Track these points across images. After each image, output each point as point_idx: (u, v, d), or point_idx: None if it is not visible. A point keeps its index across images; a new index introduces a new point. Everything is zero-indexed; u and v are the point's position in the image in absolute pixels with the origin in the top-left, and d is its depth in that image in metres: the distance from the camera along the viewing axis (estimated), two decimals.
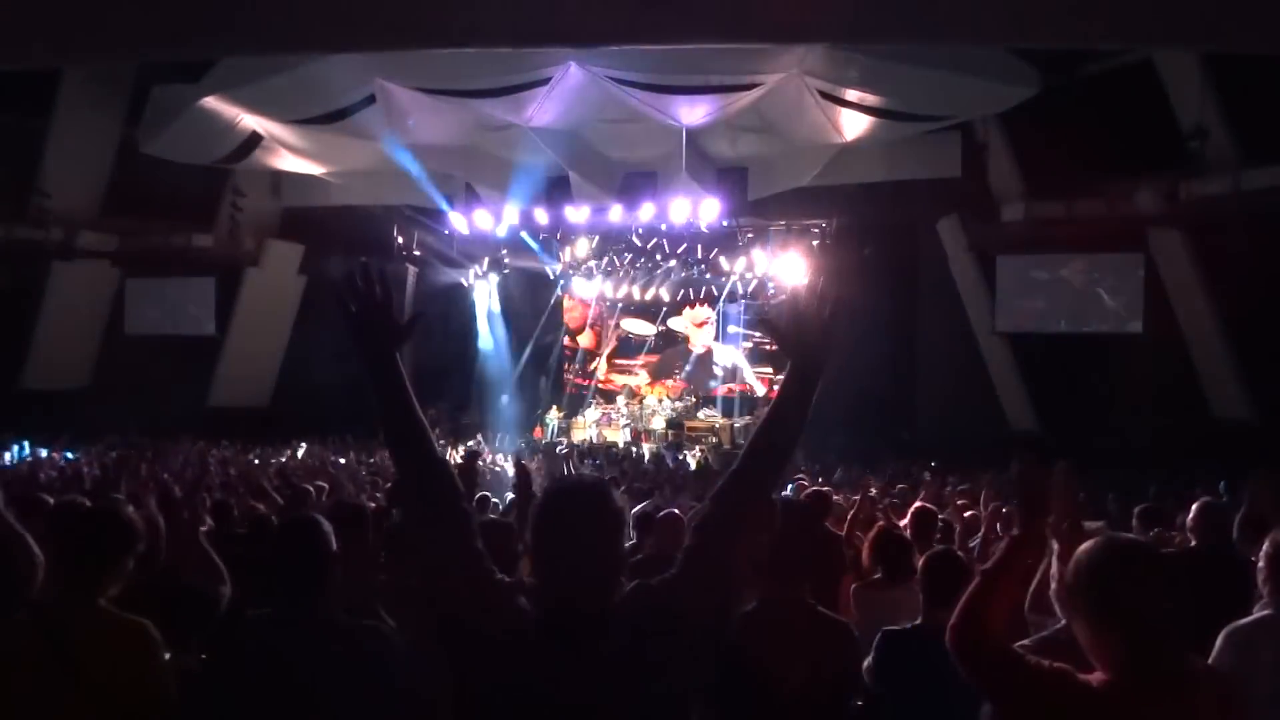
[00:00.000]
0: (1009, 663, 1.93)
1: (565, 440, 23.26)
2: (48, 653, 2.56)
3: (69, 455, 11.03)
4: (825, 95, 17.23)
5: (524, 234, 21.82)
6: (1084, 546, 1.94)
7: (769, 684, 2.98)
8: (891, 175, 20.08)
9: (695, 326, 26.24)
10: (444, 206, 21.33)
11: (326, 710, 2.53)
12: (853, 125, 18.40)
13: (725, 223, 21.28)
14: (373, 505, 5.69)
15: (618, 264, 24.30)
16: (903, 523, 5.63)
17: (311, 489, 7.54)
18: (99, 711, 2.57)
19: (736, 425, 23.15)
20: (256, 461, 15.22)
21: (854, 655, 3.29)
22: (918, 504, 5.73)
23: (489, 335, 26.35)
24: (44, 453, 15.63)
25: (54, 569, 2.79)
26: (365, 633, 2.68)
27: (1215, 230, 16.61)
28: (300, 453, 17.92)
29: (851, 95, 17.16)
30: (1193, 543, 4.65)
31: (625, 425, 24.47)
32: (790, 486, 8.27)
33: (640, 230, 21.26)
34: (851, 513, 6.12)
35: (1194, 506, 4.76)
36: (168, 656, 2.75)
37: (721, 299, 25.11)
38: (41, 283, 22.69)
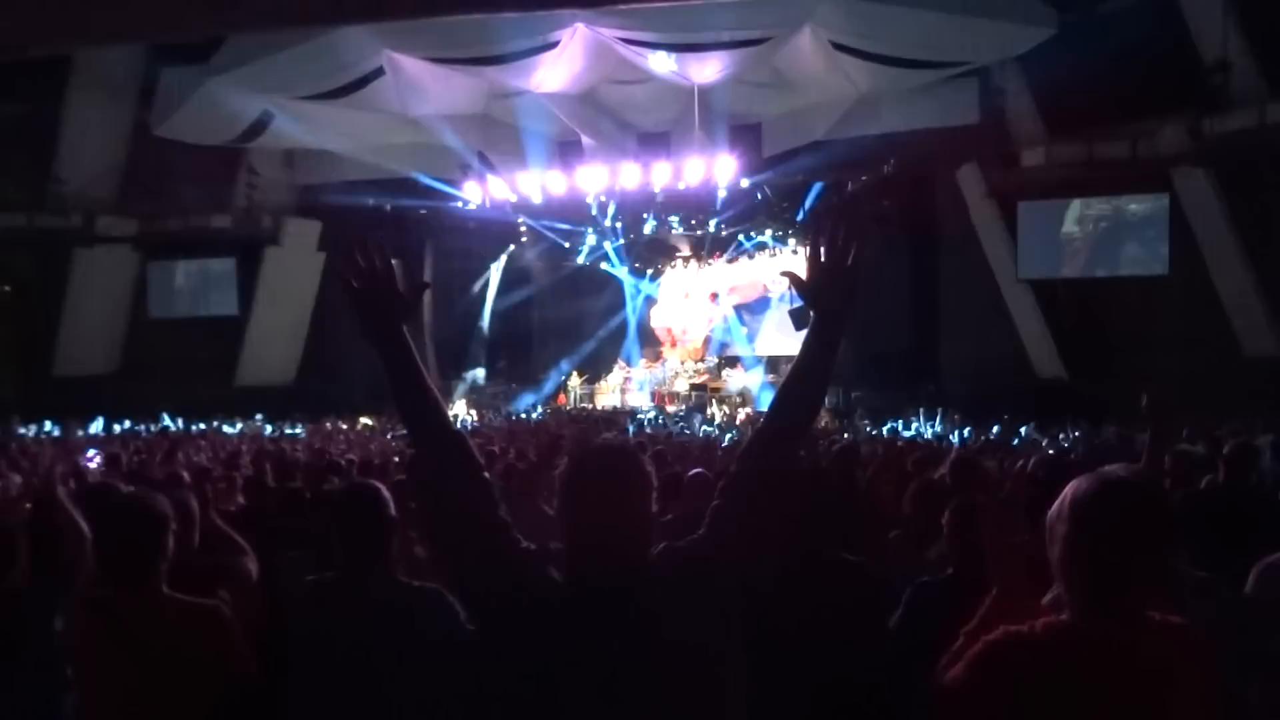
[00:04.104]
0: (971, 692, 1.91)
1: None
2: (123, 648, 2.62)
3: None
4: (838, 46, 16.96)
5: (533, 206, 21.73)
6: (1078, 479, 1.91)
7: (794, 637, 2.99)
8: (908, 125, 19.79)
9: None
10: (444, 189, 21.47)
11: (393, 672, 2.57)
12: (867, 76, 18.14)
13: (744, 182, 21.11)
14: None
15: (634, 226, 24.18)
16: (940, 472, 5.58)
17: (344, 462, 7.62)
18: (180, 699, 2.63)
19: (759, 384, 23.13)
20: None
21: (880, 603, 3.29)
22: (957, 453, 5.66)
23: (503, 303, 26.52)
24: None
25: (103, 562, 2.83)
26: (427, 595, 2.71)
27: (1242, 165, 16.29)
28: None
29: (865, 45, 16.89)
30: (1222, 479, 4.65)
31: (650, 388, 24.52)
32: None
33: (656, 192, 21.12)
34: (873, 468, 6.09)
35: (1228, 446, 4.75)
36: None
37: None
38: (65, 270, 22.90)
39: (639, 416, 21.17)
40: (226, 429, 17.41)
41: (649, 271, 26.47)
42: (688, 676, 1.79)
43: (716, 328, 26.13)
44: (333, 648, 2.62)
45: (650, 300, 26.83)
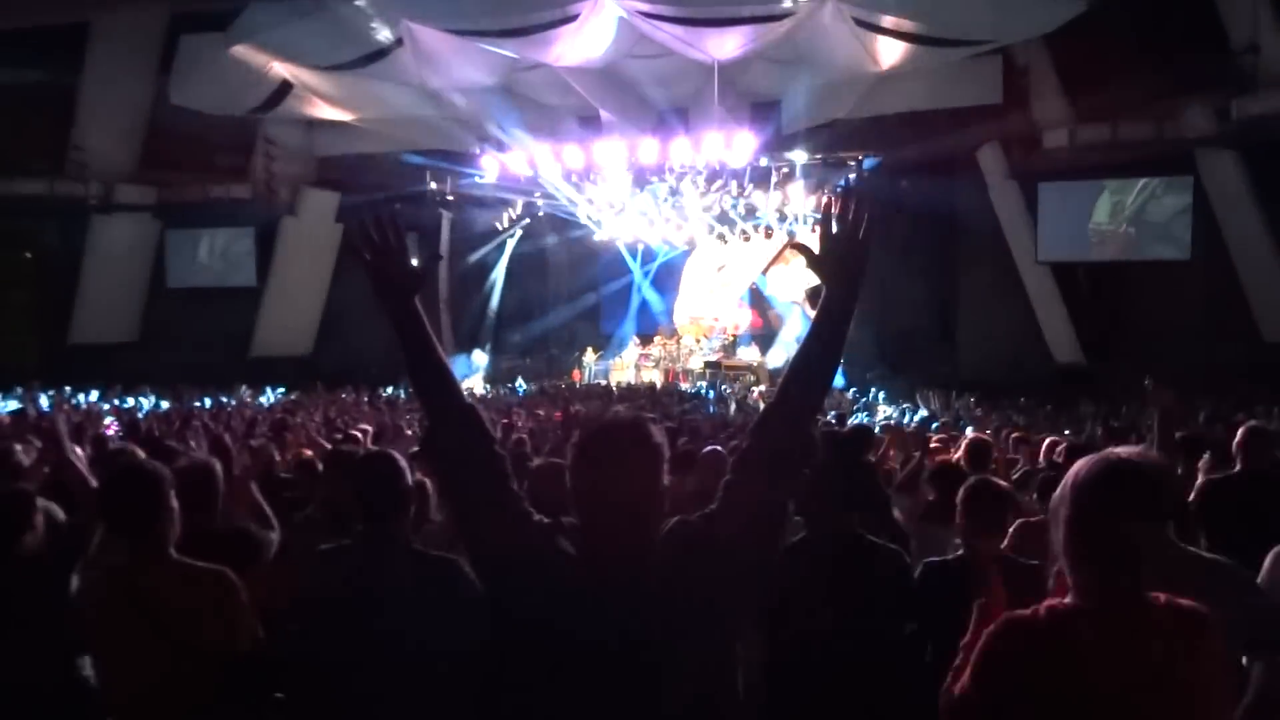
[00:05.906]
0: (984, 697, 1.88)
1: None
2: (134, 609, 2.67)
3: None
4: (861, 22, 16.75)
5: (550, 181, 21.64)
6: (1080, 461, 1.88)
7: (816, 613, 2.99)
8: (930, 104, 19.58)
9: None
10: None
11: (409, 637, 2.59)
12: (890, 53, 17.91)
13: (764, 161, 20.94)
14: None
15: (652, 202, 24.06)
16: (955, 456, 5.57)
17: (359, 433, 7.65)
18: (191, 659, 2.68)
19: (773, 363, 23.07)
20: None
21: (905, 580, 3.30)
22: (972, 435, 5.63)
23: (516, 277, 26.51)
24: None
25: (106, 517, 2.88)
26: (443, 562, 2.72)
27: (1270, 148, 16.06)
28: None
29: (889, 21, 16.67)
30: (1238, 467, 4.58)
31: (664, 365, 24.51)
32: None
33: (673, 168, 20.99)
34: (882, 448, 6.10)
35: (1240, 430, 4.67)
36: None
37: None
38: (83, 238, 23.03)
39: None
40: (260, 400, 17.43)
41: (665, 248, 26.38)
42: (699, 650, 1.79)
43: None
44: (348, 615, 2.64)
45: (662, 275, 26.85)
